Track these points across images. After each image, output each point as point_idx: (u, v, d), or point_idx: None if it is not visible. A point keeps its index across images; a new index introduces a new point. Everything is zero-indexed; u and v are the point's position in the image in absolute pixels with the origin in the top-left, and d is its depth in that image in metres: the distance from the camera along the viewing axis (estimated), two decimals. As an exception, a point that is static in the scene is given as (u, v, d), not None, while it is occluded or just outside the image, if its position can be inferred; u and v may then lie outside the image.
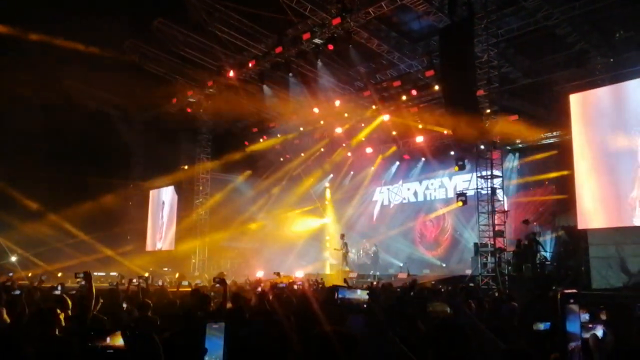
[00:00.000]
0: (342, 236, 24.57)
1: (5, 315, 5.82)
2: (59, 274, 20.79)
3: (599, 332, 4.24)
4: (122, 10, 18.70)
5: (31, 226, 24.19)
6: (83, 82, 23.66)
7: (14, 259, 24.63)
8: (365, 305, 3.75)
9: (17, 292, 9.15)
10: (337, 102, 24.42)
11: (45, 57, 20.30)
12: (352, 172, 29.54)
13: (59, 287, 10.43)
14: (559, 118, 18.78)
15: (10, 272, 17.09)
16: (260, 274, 22.72)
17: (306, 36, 19.57)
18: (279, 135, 28.52)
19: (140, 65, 23.89)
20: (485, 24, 16.93)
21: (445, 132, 22.36)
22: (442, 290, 14.39)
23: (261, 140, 29.22)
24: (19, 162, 23.13)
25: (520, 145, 22.77)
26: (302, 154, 29.17)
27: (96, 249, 25.90)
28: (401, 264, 24.01)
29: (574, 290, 2.68)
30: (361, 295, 3.81)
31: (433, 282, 17.90)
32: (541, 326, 4.93)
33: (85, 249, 25.31)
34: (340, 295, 3.71)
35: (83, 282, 6.40)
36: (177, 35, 22.19)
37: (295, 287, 13.19)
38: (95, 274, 24.88)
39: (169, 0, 20.20)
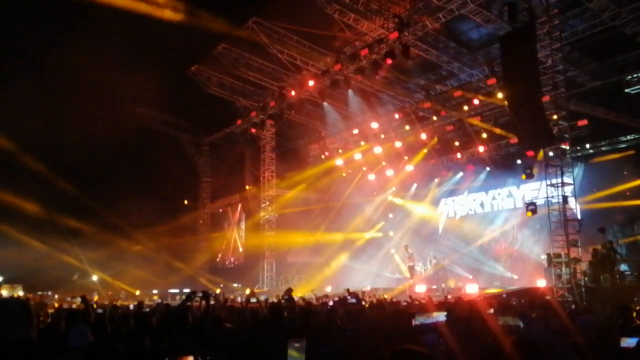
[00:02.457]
0: (407, 247, 24.43)
1: (89, 334, 6.25)
2: (137, 292, 21.85)
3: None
4: (187, 38, 19.61)
5: (107, 246, 25.54)
6: (154, 108, 24.98)
7: (95, 278, 26.04)
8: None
9: (100, 311, 9.73)
10: (397, 116, 24.40)
11: (118, 88, 21.53)
12: (415, 184, 29.26)
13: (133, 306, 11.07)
14: (634, 120, 17.94)
15: (94, 292, 18.20)
16: (328, 289, 22.92)
17: (364, 52, 19.78)
18: (340, 152, 28.76)
19: (205, 89, 24.86)
20: (548, 28, 16.49)
21: (511, 140, 21.82)
22: (514, 303, 14.02)
23: (323, 157, 29.59)
24: (98, 187, 24.58)
25: (591, 151, 21.85)
26: (364, 168, 29.24)
27: (171, 267, 26.96)
28: (470, 277, 23.47)
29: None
30: (438, 318, 3.84)
31: (504, 296, 17.43)
32: (628, 342, 4.64)
33: (160, 268, 26.44)
34: (418, 323, 3.77)
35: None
36: (239, 59, 23.01)
37: (365, 302, 13.26)
38: (170, 291, 25.97)
39: (230, 26, 20.97)
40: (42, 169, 22.70)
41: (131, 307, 12.67)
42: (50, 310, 11.79)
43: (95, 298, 16.06)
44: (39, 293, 21.47)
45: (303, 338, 2.99)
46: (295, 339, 3.02)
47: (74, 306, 14.12)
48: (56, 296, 20.91)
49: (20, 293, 22.39)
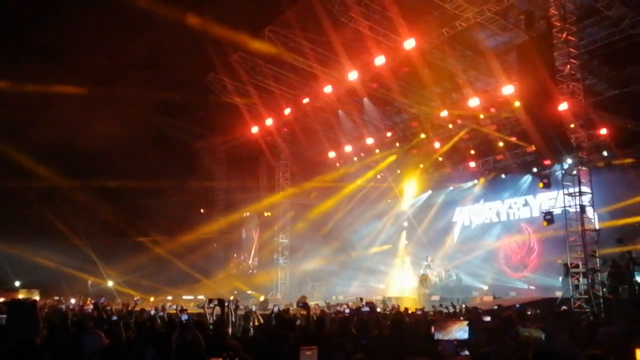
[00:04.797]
0: (427, 258, 24.40)
1: (104, 339, 6.27)
2: (151, 299, 21.95)
3: None
4: (203, 46, 19.79)
5: (122, 253, 25.74)
6: (171, 116, 25.21)
7: (110, 283, 26.23)
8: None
9: (115, 318, 9.75)
10: (412, 124, 24.34)
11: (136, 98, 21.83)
12: (430, 192, 29.09)
13: (153, 312, 11.10)
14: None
15: (102, 299, 18.34)
16: (341, 297, 22.81)
17: (380, 60, 19.77)
18: (355, 159, 28.73)
19: (222, 96, 25.02)
20: (565, 36, 16.34)
21: (527, 148, 21.63)
22: (530, 313, 13.82)
23: (337, 164, 29.59)
24: (113, 193, 24.85)
25: (610, 160, 21.50)
26: (379, 176, 29.15)
27: (185, 273, 27.06)
28: (485, 287, 23.21)
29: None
30: (460, 332, 3.78)
31: (518, 306, 17.17)
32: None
33: (174, 274, 26.55)
34: (438, 337, 3.69)
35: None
36: (255, 67, 23.13)
37: (379, 309, 13.18)
38: (184, 297, 26.05)
39: (246, 35, 21.10)
40: (60, 177, 23.08)
41: (151, 312, 12.73)
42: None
43: (115, 305, 16.12)
44: (55, 298, 21.66)
45: (314, 347, 2.97)
46: (307, 347, 3.00)
47: (88, 311, 14.20)
48: (73, 301, 21.08)
49: (37, 298, 22.64)
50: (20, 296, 22.09)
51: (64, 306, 18.24)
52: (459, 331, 4.68)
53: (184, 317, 9.56)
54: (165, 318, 10.10)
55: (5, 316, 5.83)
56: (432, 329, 4.78)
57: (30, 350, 4.15)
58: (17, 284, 26.03)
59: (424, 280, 22.99)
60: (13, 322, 5.26)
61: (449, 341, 3.81)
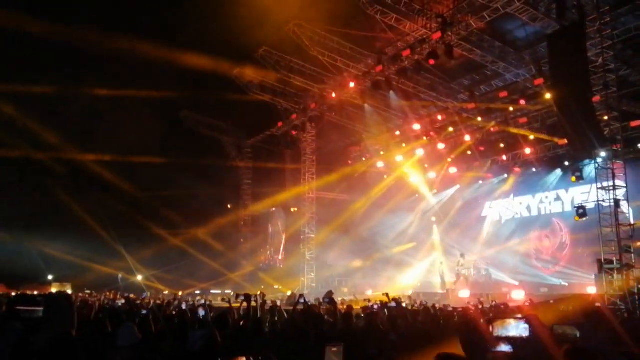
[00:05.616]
0: (462, 255, 24.23)
1: (137, 333, 6.35)
2: (180, 293, 22.24)
3: None
4: (229, 41, 19.81)
5: (151, 247, 26.13)
6: (197, 111, 25.37)
7: (140, 277, 26.63)
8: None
9: (144, 312, 9.86)
10: (440, 117, 24.00)
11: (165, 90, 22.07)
12: (458, 186, 28.71)
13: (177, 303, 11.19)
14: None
15: (145, 294, 18.72)
16: (369, 292, 22.72)
17: (406, 53, 19.54)
18: (382, 153, 28.52)
19: (247, 92, 25.09)
20: (599, 26, 15.87)
21: (559, 142, 21.13)
22: (562, 310, 13.51)
23: (364, 159, 29.42)
24: (142, 191, 25.24)
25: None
26: (406, 170, 28.87)
27: (213, 268, 27.32)
28: (516, 283, 22.82)
29: None
30: (519, 329, 3.69)
31: (552, 302, 16.83)
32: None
33: (202, 269, 26.83)
34: (498, 334, 3.60)
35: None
36: (280, 62, 23.12)
37: (405, 304, 13.04)
38: (212, 291, 26.32)
39: (272, 29, 21.08)
40: (95, 171, 23.59)
41: (180, 305, 12.89)
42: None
43: (147, 300, 16.34)
44: (87, 292, 22.11)
45: (340, 343, 2.91)
46: (333, 344, 2.93)
47: (118, 305, 14.43)
48: (107, 294, 21.48)
49: (69, 291, 23.13)
50: (54, 289, 22.65)
51: (95, 300, 18.60)
52: (519, 327, 4.54)
53: (201, 312, 9.47)
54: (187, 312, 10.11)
55: (42, 309, 5.96)
56: (491, 327, 4.66)
57: (66, 342, 4.21)
58: (50, 277, 26.67)
59: (457, 277, 22.90)
60: (49, 315, 5.37)
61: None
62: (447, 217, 28.88)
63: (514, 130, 23.14)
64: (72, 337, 4.70)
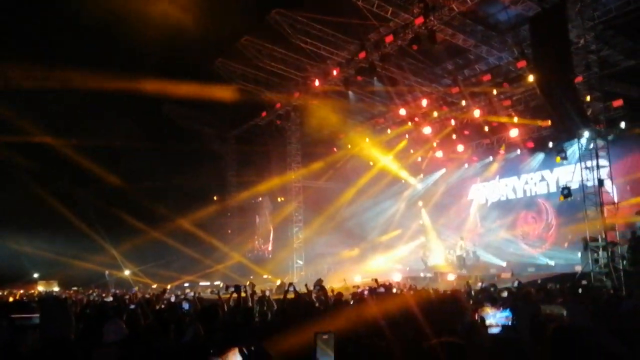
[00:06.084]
0: (462, 238, 24.42)
1: (124, 328, 6.28)
2: (168, 286, 22.16)
3: None
4: (210, 31, 19.58)
5: (138, 242, 25.92)
6: (180, 104, 25.12)
7: (127, 272, 26.49)
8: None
9: (132, 307, 9.79)
10: (424, 102, 24.00)
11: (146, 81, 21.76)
12: (444, 170, 28.84)
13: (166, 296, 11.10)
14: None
15: (134, 289, 18.58)
16: (357, 278, 22.80)
17: (389, 39, 19.47)
18: (367, 140, 28.49)
19: (229, 82, 24.86)
20: (579, 7, 15.93)
21: (542, 124, 21.26)
22: (549, 288, 13.69)
23: (349, 146, 29.39)
24: (127, 184, 24.98)
25: (627, 132, 21.06)
26: (391, 157, 28.90)
27: (201, 260, 27.23)
28: (503, 264, 23.06)
29: None
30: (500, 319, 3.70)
31: (539, 281, 17.05)
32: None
33: (190, 261, 26.72)
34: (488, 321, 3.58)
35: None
36: (262, 50, 22.91)
37: (395, 290, 13.10)
38: (201, 284, 26.25)
39: (252, 18, 20.86)
40: (72, 169, 23.20)
41: (169, 299, 12.81)
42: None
43: (136, 295, 16.27)
44: (74, 289, 21.94)
45: (331, 330, 2.88)
46: (323, 331, 2.91)
47: (107, 301, 14.33)
48: (95, 292, 21.30)
49: (56, 289, 22.94)
50: (40, 288, 22.43)
51: (83, 296, 18.46)
52: (498, 316, 4.58)
53: (185, 306, 9.33)
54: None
55: (37, 315, 5.86)
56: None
57: (66, 346, 4.13)
58: (35, 275, 26.39)
59: (458, 260, 23.28)
60: (46, 320, 5.27)
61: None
62: (433, 201, 29.02)
63: (497, 119, 23.24)
64: (71, 341, 4.65)
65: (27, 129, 21.15)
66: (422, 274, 24.68)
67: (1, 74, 19.47)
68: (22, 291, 21.60)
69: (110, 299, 15.30)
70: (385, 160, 28.72)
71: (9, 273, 24.42)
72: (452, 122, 25.11)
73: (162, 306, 11.00)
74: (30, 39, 20.72)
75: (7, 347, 4.96)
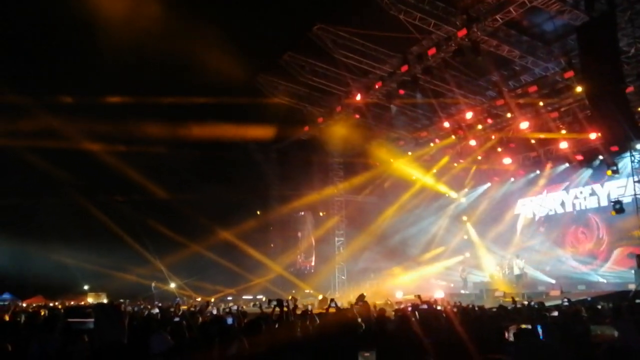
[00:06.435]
0: (517, 256, 23.71)
1: (169, 340, 6.39)
2: (212, 299, 22.46)
3: None
4: (252, 48, 19.91)
5: (182, 254, 26.38)
6: (223, 119, 25.55)
7: (173, 285, 26.98)
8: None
9: (177, 319, 9.93)
10: (469, 115, 23.63)
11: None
12: (489, 184, 28.22)
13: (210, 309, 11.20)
14: None
15: (177, 299, 18.89)
16: (399, 294, 22.50)
17: (432, 51, 19.29)
18: (409, 154, 28.23)
19: (272, 97, 25.16)
20: (630, 15, 15.45)
21: (592, 136, 20.59)
22: (600, 308, 13.12)
23: (391, 160, 29.19)
24: (173, 199, 25.55)
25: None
26: (435, 170, 28.51)
27: (241, 274, 27.46)
28: (553, 281, 22.28)
29: None
30: None
31: (589, 299, 16.37)
32: None
33: (233, 275, 26.99)
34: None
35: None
36: (305, 66, 23.13)
37: (439, 307, 12.83)
38: (244, 297, 26.45)
39: (295, 34, 21.08)
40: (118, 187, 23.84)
41: (212, 311, 12.96)
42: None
43: (179, 306, 16.53)
44: (121, 300, 22.46)
45: (373, 348, 2.84)
46: (366, 350, 2.86)
47: (152, 313, 14.61)
48: (142, 304, 21.76)
49: (105, 301, 23.54)
50: (90, 299, 23.11)
51: (130, 308, 18.89)
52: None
53: (229, 320, 9.35)
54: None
55: (92, 320, 6.08)
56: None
57: (119, 350, 4.28)
58: (85, 287, 27.20)
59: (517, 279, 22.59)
60: (101, 325, 5.46)
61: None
62: (479, 216, 28.38)
63: (544, 135, 22.65)
64: (124, 345, 4.80)
65: (73, 140, 21.96)
66: (462, 291, 24.10)
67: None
68: (72, 302, 22.30)
69: (156, 310, 15.59)
70: (428, 175, 28.36)
71: (61, 285, 25.27)
72: (496, 135, 24.60)
73: (206, 319, 11.11)
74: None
75: (59, 356, 5.13)
